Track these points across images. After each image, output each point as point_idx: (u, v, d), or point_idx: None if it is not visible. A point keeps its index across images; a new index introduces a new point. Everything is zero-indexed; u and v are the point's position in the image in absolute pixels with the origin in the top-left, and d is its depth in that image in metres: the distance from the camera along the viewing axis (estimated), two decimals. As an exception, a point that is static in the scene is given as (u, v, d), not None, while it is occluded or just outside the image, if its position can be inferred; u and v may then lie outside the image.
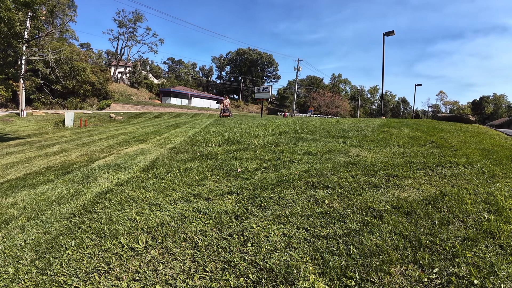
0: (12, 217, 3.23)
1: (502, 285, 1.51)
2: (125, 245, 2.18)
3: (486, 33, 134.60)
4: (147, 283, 1.76)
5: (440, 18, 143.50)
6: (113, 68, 51.57)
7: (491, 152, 4.67)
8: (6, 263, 2.14)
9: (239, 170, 3.94)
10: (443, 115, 12.73)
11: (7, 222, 3.07)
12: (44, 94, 29.74)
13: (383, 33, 18.45)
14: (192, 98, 56.26)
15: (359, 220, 2.32)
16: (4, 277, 1.97)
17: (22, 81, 22.11)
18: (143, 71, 56.06)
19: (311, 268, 1.76)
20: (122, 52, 54.82)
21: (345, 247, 1.94)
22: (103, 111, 32.08)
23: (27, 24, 13.22)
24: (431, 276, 1.61)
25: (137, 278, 1.82)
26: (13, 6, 9.62)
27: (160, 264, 1.93)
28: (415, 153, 4.53)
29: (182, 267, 1.88)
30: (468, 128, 7.75)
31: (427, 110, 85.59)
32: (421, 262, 1.72)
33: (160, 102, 50.44)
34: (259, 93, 25.73)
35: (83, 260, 2.05)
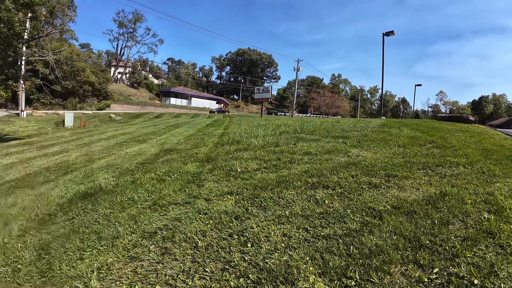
0: (13, 217, 3.22)
1: (502, 285, 1.51)
2: (126, 246, 2.18)
3: (485, 34, 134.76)
4: (147, 283, 1.76)
5: (439, 19, 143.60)
6: (113, 69, 51.58)
7: (491, 152, 4.67)
8: (5, 264, 2.14)
9: (239, 170, 3.93)
10: (443, 115, 12.74)
11: (6, 223, 3.06)
12: (44, 95, 29.74)
13: (383, 33, 18.46)
14: (192, 98, 56.23)
15: (359, 220, 2.32)
16: (2, 280, 1.96)
17: (22, 81, 22.10)
18: (143, 72, 56.10)
19: (311, 268, 1.75)
20: (122, 52, 54.85)
21: (345, 247, 1.94)
22: (103, 111, 32.08)
23: (27, 25, 13.21)
24: (431, 276, 1.61)
25: (137, 278, 1.81)
26: (13, 6, 9.62)
27: (160, 264, 1.93)
28: (415, 153, 4.53)
29: (182, 268, 1.88)
30: (468, 128, 7.76)
31: (427, 110, 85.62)
32: (421, 262, 1.72)
33: (160, 102, 50.43)
34: (259, 93, 25.76)
35: (83, 262, 2.05)
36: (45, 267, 2.04)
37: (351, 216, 2.40)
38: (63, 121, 20.90)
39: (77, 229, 2.58)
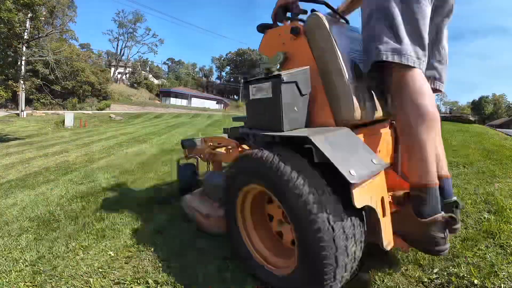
0: (13, 218, 3.22)
1: (502, 285, 1.51)
2: (127, 246, 2.18)
3: (485, 34, 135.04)
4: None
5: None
6: (112, 69, 51.63)
7: (491, 152, 4.67)
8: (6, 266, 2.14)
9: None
10: (442, 115, 12.76)
11: (6, 223, 3.06)
12: (44, 95, 29.79)
13: (383, 33, 18.45)
14: (192, 98, 56.27)
15: (359, 220, 2.32)
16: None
17: (22, 81, 22.12)
18: (143, 72, 56.18)
19: (311, 268, 1.76)
20: (122, 52, 54.96)
21: (345, 247, 1.94)
22: (103, 111, 32.10)
23: (27, 25, 13.23)
24: (431, 276, 1.61)
25: (139, 276, 1.82)
26: (13, 7, 9.63)
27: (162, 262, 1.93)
28: (415, 153, 4.52)
29: (182, 268, 1.88)
30: (468, 128, 7.76)
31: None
32: (421, 262, 1.73)
33: (160, 102, 50.46)
34: (259, 94, 25.77)
35: (82, 262, 2.05)
36: (47, 268, 2.04)
37: (351, 216, 2.39)
38: (63, 121, 20.91)
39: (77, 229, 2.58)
